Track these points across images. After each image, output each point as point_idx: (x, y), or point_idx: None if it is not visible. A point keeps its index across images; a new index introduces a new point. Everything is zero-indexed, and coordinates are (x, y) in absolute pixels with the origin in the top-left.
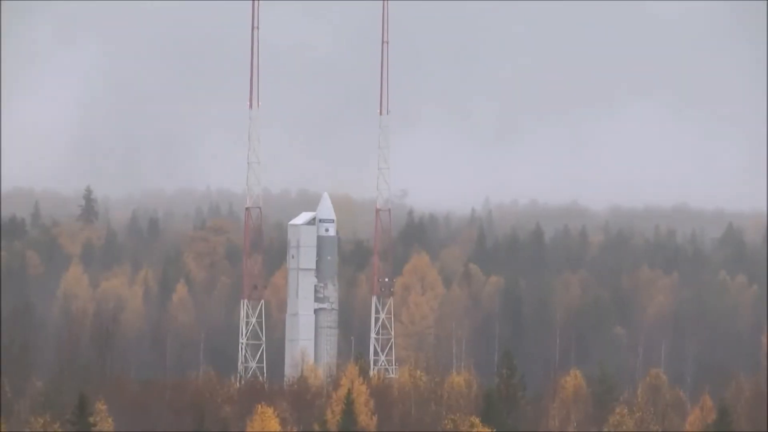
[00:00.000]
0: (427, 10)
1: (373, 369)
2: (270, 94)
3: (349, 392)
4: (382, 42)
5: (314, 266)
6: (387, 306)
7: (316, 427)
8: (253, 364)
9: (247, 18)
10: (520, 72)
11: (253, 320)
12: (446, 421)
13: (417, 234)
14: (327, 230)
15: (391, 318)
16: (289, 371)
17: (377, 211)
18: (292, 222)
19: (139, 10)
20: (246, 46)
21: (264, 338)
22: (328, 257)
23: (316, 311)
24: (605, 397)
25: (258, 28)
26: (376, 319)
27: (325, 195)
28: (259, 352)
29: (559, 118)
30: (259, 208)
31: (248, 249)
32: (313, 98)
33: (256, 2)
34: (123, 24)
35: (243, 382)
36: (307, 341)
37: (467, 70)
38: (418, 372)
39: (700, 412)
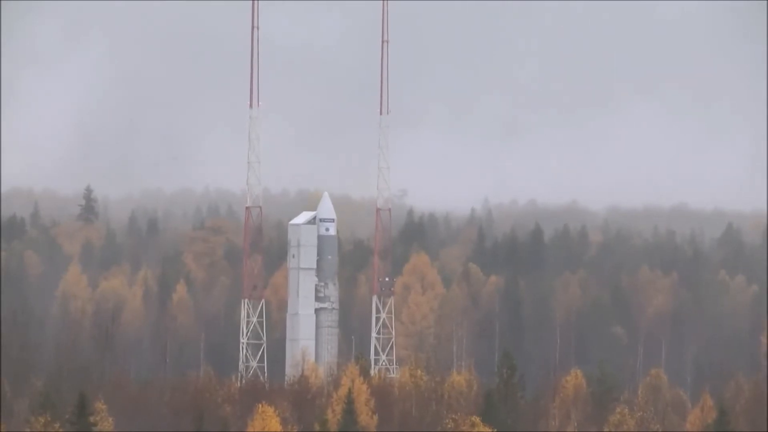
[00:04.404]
0: (428, 9)
1: (374, 368)
2: (270, 94)
3: (350, 392)
4: (382, 41)
5: (315, 266)
6: (387, 305)
7: (317, 427)
8: (253, 364)
9: (247, 17)
10: (520, 72)
11: (254, 320)
12: (447, 421)
13: (417, 234)
14: (327, 230)
15: (391, 317)
16: (290, 371)
17: (377, 210)
18: (292, 221)
19: (139, 10)
20: (247, 46)
21: (265, 338)
22: (329, 257)
23: (316, 311)
24: (605, 397)
25: (258, 27)
26: (377, 319)
27: (326, 194)
28: (260, 352)
29: (559, 118)
30: (259, 207)
31: (248, 249)
32: (313, 97)
33: (256, 2)
34: (123, 24)
35: (244, 381)
36: (308, 341)
37: (468, 70)
38: (419, 371)
39: (700, 412)
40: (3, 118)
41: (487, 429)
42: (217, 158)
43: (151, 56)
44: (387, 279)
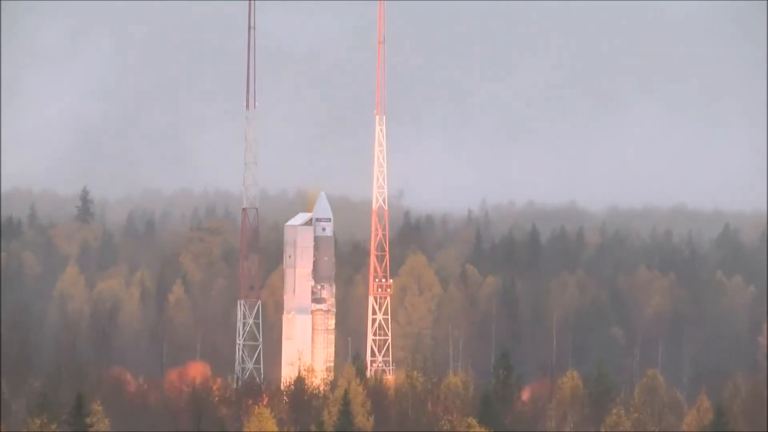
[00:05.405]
0: (428, 9)
1: (370, 370)
2: (269, 94)
3: (346, 393)
4: (378, 42)
5: (311, 267)
6: (384, 307)
7: (313, 428)
8: (250, 365)
9: (245, 18)
10: (519, 72)
11: (250, 321)
12: (443, 422)
13: (414, 235)
14: (324, 230)
15: (388, 319)
16: (286, 372)
17: (374, 211)
18: (289, 222)
19: (138, 10)
20: (244, 46)
21: (261, 339)
22: (325, 258)
23: (313, 312)
24: (602, 398)
25: (254, 28)
26: (373, 320)
27: (322, 194)
28: (256, 353)
29: (557, 119)
30: (256, 208)
31: (245, 250)
32: (310, 98)
33: (252, 2)
34: (123, 25)
35: (240, 382)
36: (304, 342)
37: (466, 71)
38: (415, 373)
39: (696, 413)
40: (3, 118)
41: (483, 430)
42: (216, 159)
43: (151, 57)
44: (384, 280)
